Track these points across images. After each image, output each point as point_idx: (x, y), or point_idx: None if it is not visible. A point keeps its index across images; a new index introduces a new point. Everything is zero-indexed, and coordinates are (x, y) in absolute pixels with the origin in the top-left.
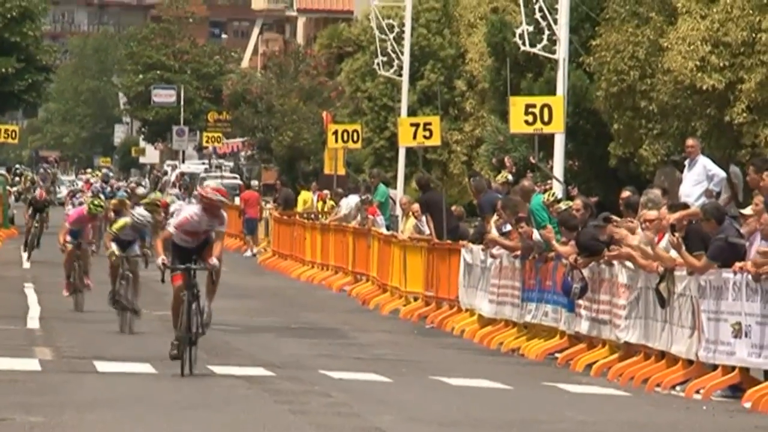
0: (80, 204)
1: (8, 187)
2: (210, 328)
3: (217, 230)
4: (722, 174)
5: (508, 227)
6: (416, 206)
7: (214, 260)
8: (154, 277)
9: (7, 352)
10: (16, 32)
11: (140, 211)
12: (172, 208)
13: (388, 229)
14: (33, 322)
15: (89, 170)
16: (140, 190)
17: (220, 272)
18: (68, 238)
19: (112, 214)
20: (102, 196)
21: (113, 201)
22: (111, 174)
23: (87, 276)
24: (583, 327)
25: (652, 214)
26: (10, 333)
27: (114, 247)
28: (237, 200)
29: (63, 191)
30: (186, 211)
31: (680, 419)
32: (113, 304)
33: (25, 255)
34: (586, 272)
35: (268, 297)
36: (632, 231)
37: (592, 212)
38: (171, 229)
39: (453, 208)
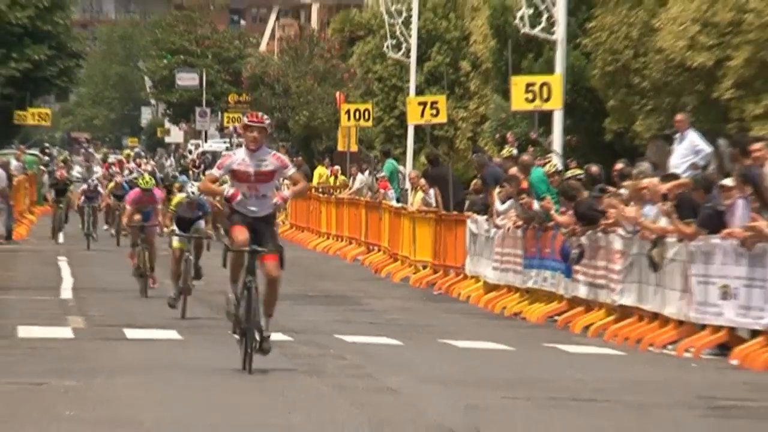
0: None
1: (41, 167)
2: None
3: (284, 173)
4: (708, 149)
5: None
6: (423, 180)
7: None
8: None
9: (42, 321)
10: (47, 21)
11: (193, 187)
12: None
13: (398, 201)
14: (66, 292)
15: (115, 150)
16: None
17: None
18: (137, 217)
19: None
20: (155, 176)
21: (176, 184)
22: (142, 153)
23: (152, 270)
24: (581, 291)
25: (643, 183)
26: (45, 303)
27: (175, 228)
28: None
29: (79, 170)
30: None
31: (672, 376)
32: (175, 300)
33: (53, 240)
34: (583, 240)
35: (286, 267)
36: (623, 202)
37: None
38: (216, 171)
39: (474, 182)
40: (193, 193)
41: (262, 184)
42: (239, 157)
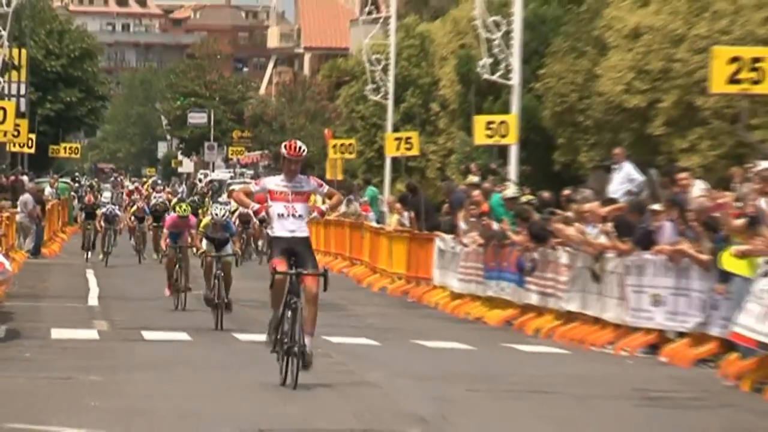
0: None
1: (72, 193)
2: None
3: (320, 192)
4: (641, 178)
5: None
6: (399, 204)
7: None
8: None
9: (71, 324)
10: (78, 68)
11: (216, 209)
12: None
13: (377, 222)
14: (93, 300)
15: (135, 179)
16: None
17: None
18: (168, 242)
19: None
20: (184, 202)
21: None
22: (159, 181)
23: (188, 278)
24: (533, 299)
25: (586, 207)
26: (75, 309)
27: (205, 245)
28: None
29: (107, 196)
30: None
31: (610, 371)
32: (207, 303)
33: (84, 255)
34: (535, 255)
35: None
36: (568, 223)
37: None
38: (253, 187)
39: (445, 206)
40: (216, 215)
41: (299, 203)
42: (277, 180)
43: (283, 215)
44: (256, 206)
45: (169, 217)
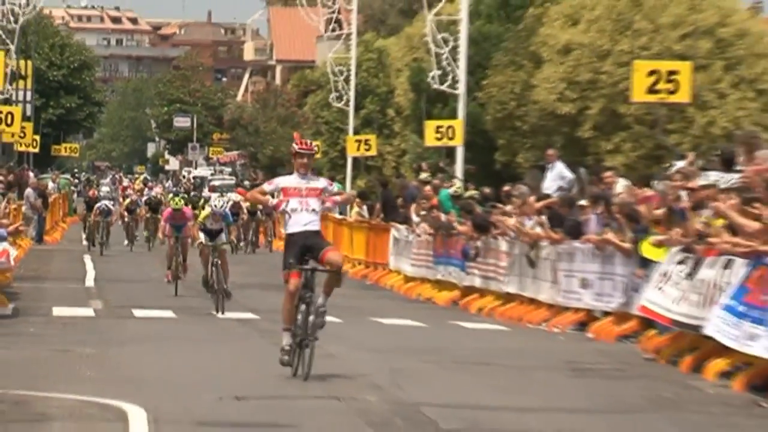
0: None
1: (72, 187)
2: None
3: (329, 190)
4: (571, 176)
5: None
6: (358, 199)
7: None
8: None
9: (70, 303)
10: (77, 78)
11: (215, 201)
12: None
13: (340, 214)
14: (89, 282)
15: (129, 175)
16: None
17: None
18: (169, 231)
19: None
20: (177, 196)
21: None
22: (149, 178)
23: (185, 265)
24: (477, 282)
25: (518, 202)
26: (73, 290)
27: (202, 237)
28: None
29: (104, 190)
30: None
31: (544, 346)
32: (206, 287)
33: (86, 243)
34: (478, 243)
35: (257, 264)
36: (507, 216)
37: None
38: (266, 186)
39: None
40: (215, 206)
41: (312, 198)
42: (290, 178)
43: (297, 210)
44: (275, 201)
45: (166, 211)
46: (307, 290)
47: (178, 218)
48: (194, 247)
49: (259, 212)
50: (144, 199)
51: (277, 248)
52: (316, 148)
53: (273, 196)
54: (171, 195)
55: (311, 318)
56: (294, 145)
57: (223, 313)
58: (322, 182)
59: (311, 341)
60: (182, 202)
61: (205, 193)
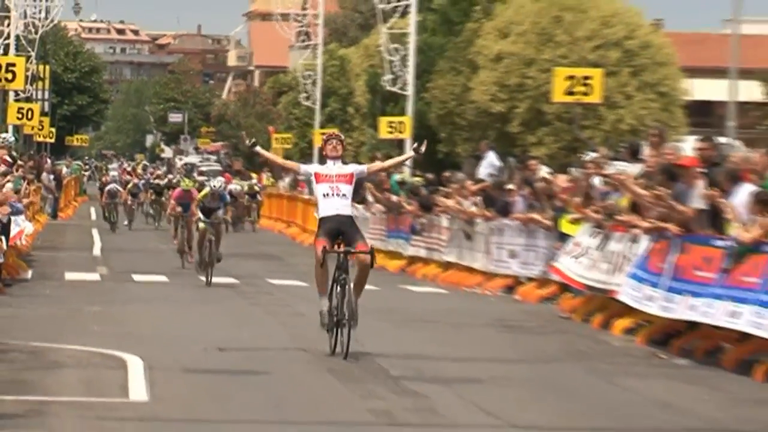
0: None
1: (82, 171)
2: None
3: (361, 172)
4: (501, 164)
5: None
6: None
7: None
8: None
9: (79, 268)
10: (87, 80)
11: (215, 182)
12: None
13: (311, 193)
14: (96, 251)
15: (131, 162)
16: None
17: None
18: (178, 209)
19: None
20: (188, 179)
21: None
22: (147, 164)
23: (190, 246)
24: (421, 252)
25: (457, 186)
26: (83, 258)
27: (200, 214)
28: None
29: (112, 174)
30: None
31: (478, 306)
32: (200, 267)
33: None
34: (423, 220)
35: (241, 239)
36: (448, 197)
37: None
38: (301, 165)
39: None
40: (214, 186)
41: (343, 184)
42: (322, 166)
43: (328, 195)
44: (304, 169)
45: (177, 191)
46: (341, 272)
47: (186, 198)
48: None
49: (248, 195)
50: (142, 182)
51: (261, 227)
52: (343, 136)
53: (306, 178)
54: (179, 178)
55: (347, 299)
56: (323, 135)
57: (210, 285)
58: (352, 167)
59: (348, 322)
60: (192, 183)
61: (195, 176)
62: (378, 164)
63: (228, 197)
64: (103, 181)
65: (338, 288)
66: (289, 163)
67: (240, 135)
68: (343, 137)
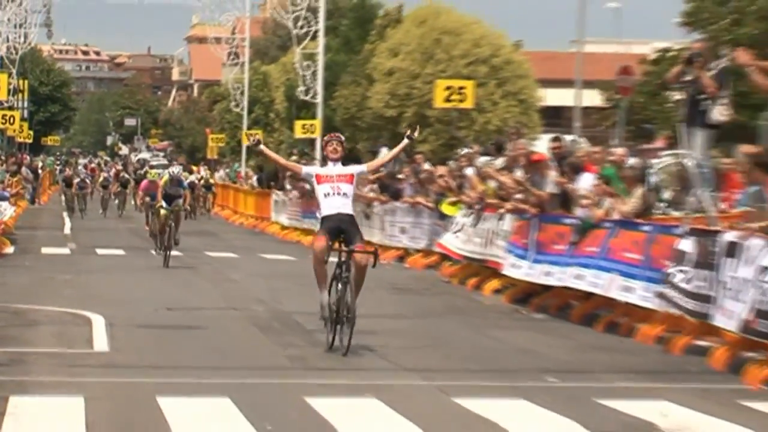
0: (90, 172)
1: (56, 166)
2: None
3: (361, 171)
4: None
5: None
6: (251, 172)
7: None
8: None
9: (54, 244)
10: (59, 92)
11: (173, 169)
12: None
13: (234, 182)
14: (67, 230)
15: (90, 158)
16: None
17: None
18: (147, 198)
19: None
20: (154, 170)
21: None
22: (109, 159)
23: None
24: None
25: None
26: (56, 236)
27: (163, 202)
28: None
29: (81, 171)
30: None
31: (374, 272)
32: (153, 238)
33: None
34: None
35: (193, 223)
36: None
37: None
38: (303, 166)
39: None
40: (172, 172)
41: (344, 183)
42: (322, 167)
43: (329, 194)
44: (306, 171)
45: (144, 182)
46: (341, 270)
47: (152, 188)
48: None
49: (204, 188)
50: (107, 176)
51: (215, 214)
52: (342, 137)
53: (307, 181)
54: (147, 170)
55: (347, 297)
56: (325, 138)
57: (168, 266)
58: (352, 168)
59: (349, 318)
60: (158, 175)
61: (147, 169)
62: (377, 160)
63: (185, 183)
64: (67, 175)
65: (339, 285)
66: (292, 165)
67: (250, 137)
68: (343, 138)
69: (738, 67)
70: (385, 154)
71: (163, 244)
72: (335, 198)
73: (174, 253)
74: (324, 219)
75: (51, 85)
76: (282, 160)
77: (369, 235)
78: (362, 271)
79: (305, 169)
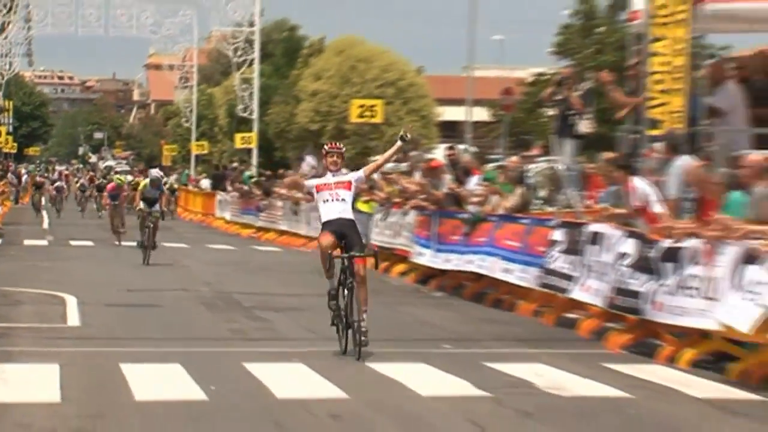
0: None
1: (36, 171)
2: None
3: (358, 177)
4: (315, 163)
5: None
6: (201, 178)
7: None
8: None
9: (34, 237)
10: (39, 110)
11: (153, 173)
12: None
13: (185, 185)
14: (45, 225)
15: (66, 166)
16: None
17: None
18: (109, 201)
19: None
20: (121, 175)
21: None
22: (81, 166)
23: (123, 225)
24: (263, 224)
25: (288, 179)
26: (36, 230)
27: (142, 204)
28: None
29: (55, 175)
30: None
31: (301, 259)
32: (140, 248)
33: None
34: (265, 202)
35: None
36: (281, 187)
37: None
38: (306, 184)
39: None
40: (153, 175)
41: (342, 190)
42: (321, 178)
43: (328, 201)
44: (310, 187)
45: (110, 185)
46: (347, 276)
47: (116, 190)
48: (133, 210)
49: (169, 191)
50: (83, 182)
51: (179, 215)
52: (343, 148)
53: (310, 193)
54: (114, 175)
55: (355, 303)
56: (325, 147)
57: (148, 264)
58: (349, 175)
59: (358, 324)
60: (124, 180)
61: (112, 174)
62: (373, 164)
63: (163, 186)
64: (38, 180)
65: (345, 291)
66: (299, 180)
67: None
68: (343, 149)
69: (600, 88)
70: (311, 161)
71: (144, 243)
72: (335, 204)
73: (134, 244)
74: (325, 224)
75: (32, 105)
76: (300, 180)
77: (297, 227)
78: (362, 281)
79: (307, 183)
